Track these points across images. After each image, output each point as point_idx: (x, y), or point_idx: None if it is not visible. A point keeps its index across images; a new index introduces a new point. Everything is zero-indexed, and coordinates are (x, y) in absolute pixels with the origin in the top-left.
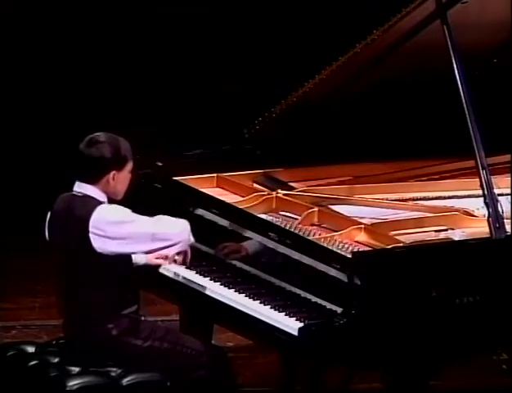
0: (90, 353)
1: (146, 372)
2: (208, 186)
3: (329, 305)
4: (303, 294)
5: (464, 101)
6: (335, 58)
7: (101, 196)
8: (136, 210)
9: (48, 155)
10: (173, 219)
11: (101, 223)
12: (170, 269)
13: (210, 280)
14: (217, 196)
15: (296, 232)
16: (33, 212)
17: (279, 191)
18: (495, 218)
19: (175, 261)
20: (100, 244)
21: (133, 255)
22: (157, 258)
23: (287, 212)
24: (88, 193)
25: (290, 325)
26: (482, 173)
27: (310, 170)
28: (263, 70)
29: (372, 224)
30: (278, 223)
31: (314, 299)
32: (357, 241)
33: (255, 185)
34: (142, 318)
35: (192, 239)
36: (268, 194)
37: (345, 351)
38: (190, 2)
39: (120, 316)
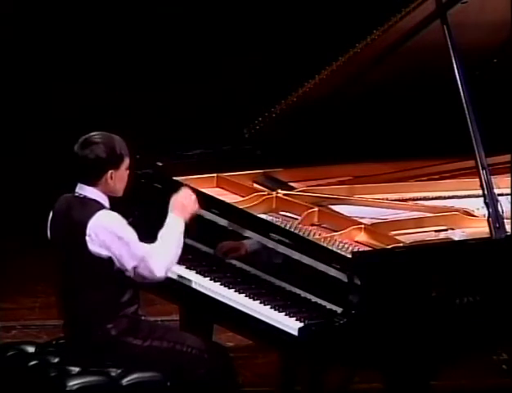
0: (90, 353)
1: (146, 372)
2: (208, 186)
3: (329, 305)
4: (303, 294)
5: (464, 101)
6: (335, 58)
7: (103, 198)
8: (136, 210)
9: (48, 156)
10: (163, 254)
11: (98, 228)
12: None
13: (210, 280)
14: (217, 196)
15: (296, 232)
16: (33, 212)
17: (279, 191)
18: (495, 218)
19: None
20: (94, 248)
21: None
22: None
23: (287, 212)
24: (89, 195)
25: (290, 325)
26: (482, 173)
27: (310, 170)
28: (263, 70)
29: (372, 224)
30: (278, 223)
31: (314, 299)
32: (357, 241)
33: (255, 185)
34: (142, 318)
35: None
36: (268, 194)
37: (345, 351)
38: (191, 2)
39: (120, 316)
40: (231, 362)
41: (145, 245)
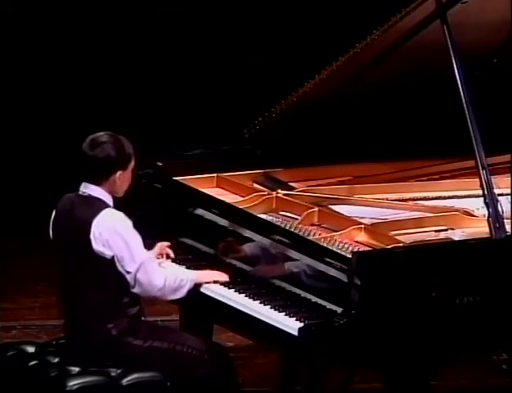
0: (90, 353)
1: (146, 372)
2: (208, 186)
3: (329, 305)
4: (303, 294)
5: (464, 101)
6: (335, 58)
7: (107, 198)
8: (136, 210)
9: (48, 156)
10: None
11: (102, 226)
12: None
13: None
14: (217, 196)
15: (296, 232)
16: (33, 212)
17: (279, 191)
18: (495, 218)
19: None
20: (98, 247)
21: None
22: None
23: (287, 212)
24: (94, 194)
25: (290, 325)
26: (482, 173)
27: (310, 170)
28: (263, 70)
29: (372, 224)
30: (278, 223)
31: (314, 299)
32: (356, 241)
33: (255, 185)
34: (142, 318)
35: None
36: (268, 194)
37: (345, 351)
38: (191, 2)
39: (120, 316)
40: (231, 362)
41: (147, 252)
